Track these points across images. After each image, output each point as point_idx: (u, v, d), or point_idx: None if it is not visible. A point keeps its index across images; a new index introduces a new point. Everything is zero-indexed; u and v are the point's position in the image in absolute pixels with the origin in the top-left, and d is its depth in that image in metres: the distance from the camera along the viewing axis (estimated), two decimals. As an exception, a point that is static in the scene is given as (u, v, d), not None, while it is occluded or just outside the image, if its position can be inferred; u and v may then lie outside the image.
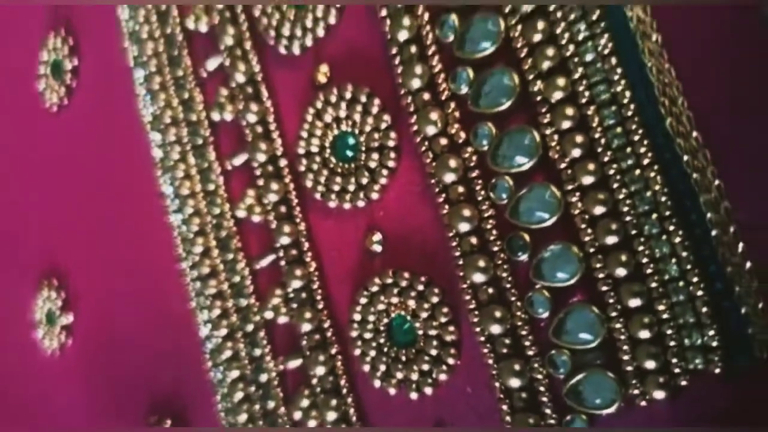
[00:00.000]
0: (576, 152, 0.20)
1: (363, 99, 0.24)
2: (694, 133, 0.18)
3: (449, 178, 0.22)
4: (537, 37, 0.20)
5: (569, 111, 0.20)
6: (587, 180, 0.20)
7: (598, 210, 0.19)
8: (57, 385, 0.39)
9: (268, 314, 0.28)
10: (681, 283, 0.19)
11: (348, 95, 0.25)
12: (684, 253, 0.19)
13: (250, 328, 0.29)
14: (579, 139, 0.20)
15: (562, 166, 0.20)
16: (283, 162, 0.27)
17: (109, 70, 0.34)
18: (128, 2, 0.32)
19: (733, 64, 0.18)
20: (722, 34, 0.18)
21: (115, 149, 0.35)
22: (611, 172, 0.19)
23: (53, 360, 0.39)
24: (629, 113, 0.19)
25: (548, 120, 0.20)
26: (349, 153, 0.25)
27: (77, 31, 0.36)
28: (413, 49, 0.23)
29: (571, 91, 0.20)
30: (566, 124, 0.20)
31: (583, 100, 0.20)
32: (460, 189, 0.22)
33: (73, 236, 0.37)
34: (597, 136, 0.19)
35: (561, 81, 0.20)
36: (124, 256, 0.34)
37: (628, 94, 0.19)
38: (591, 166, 0.20)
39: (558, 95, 0.20)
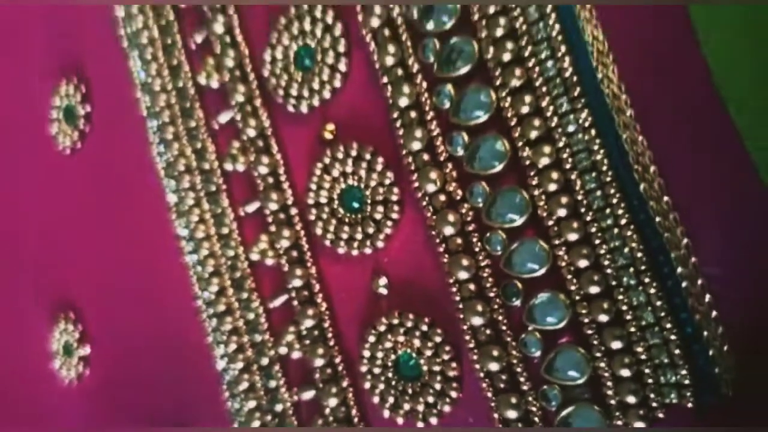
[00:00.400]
0: (562, 212, 0.22)
1: (368, 157, 0.27)
2: (665, 198, 0.21)
3: (448, 231, 0.25)
4: (525, 109, 0.23)
5: (555, 175, 0.22)
6: (572, 237, 0.22)
7: (582, 263, 0.22)
8: (74, 413, 0.41)
9: (282, 350, 0.30)
10: (656, 329, 0.21)
11: (353, 153, 0.27)
12: (658, 302, 0.21)
13: (265, 361, 0.31)
14: (564, 200, 0.22)
15: (550, 223, 0.23)
16: (293, 210, 0.29)
17: (122, 117, 0.36)
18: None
19: (697, 135, 0.21)
20: (690, 110, 0.21)
21: (129, 191, 0.37)
22: (593, 230, 0.22)
23: (71, 389, 0.41)
24: (608, 179, 0.22)
25: (536, 182, 0.23)
26: (356, 204, 0.27)
27: (89, 79, 0.38)
28: (413, 114, 0.25)
29: (556, 158, 0.22)
30: (552, 187, 0.22)
31: (567, 166, 0.22)
32: (459, 240, 0.25)
33: (88, 272, 0.39)
34: (580, 198, 0.22)
35: (547, 149, 0.22)
36: (139, 292, 0.36)
37: (606, 162, 0.22)
38: (575, 225, 0.22)
39: (545, 161, 0.22)
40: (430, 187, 0.25)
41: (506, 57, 0.23)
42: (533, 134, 0.23)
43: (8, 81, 0.42)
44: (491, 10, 0.23)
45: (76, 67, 0.39)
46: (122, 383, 0.38)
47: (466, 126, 0.24)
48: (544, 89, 0.22)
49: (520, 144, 0.23)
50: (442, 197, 0.25)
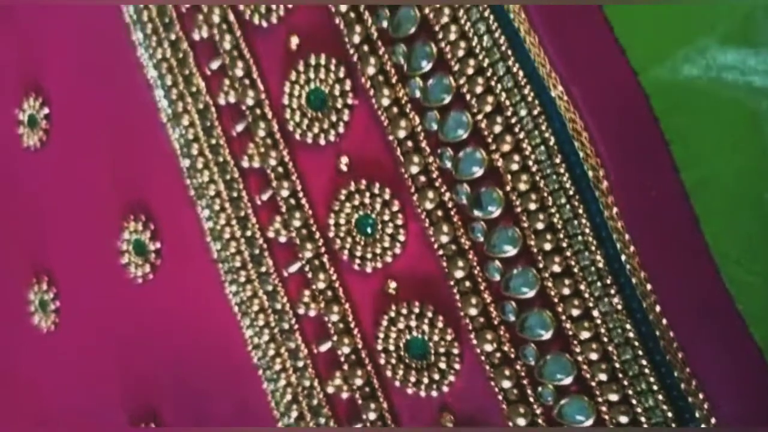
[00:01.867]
0: (603, 376, 0.28)
1: (429, 315, 0.33)
2: (687, 369, 0.27)
3: (506, 384, 0.31)
4: (566, 291, 0.29)
5: (594, 346, 0.28)
6: (613, 397, 0.28)
7: (623, 419, 0.28)
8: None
9: (361, 469, 0.36)
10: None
11: (416, 310, 0.33)
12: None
13: (344, 478, 0.37)
14: (603, 366, 0.28)
15: (593, 384, 0.29)
16: (364, 353, 0.35)
17: (192, 256, 0.42)
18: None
19: (706, 321, 0.26)
20: (700, 300, 0.26)
21: (203, 321, 0.43)
22: (630, 392, 0.28)
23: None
24: (639, 352, 0.28)
25: (579, 350, 0.29)
26: (421, 352, 0.33)
27: (158, 219, 0.44)
28: (467, 283, 0.31)
29: (595, 332, 0.28)
30: (594, 356, 0.28)
31: (605, 339, 0.28)
32: (515, 392, 0.31)
33: (169, 385, 0.45)
34: (617, 365, 0.28)
35: (586, 324, 0.28)
36: (222, 401, 0.43)
37: (637, 338, 0.28)
38: (614, 387, 0.28)
39: (585, 335, 0.28)
40: (487, 347, 0.31)
41: (547, 246, 0.29)
42: (574, 312, 0.28)
43: (77, 215, 0.48)
44: (532, 206, 0.29)
45: (143, 207, 0.45)
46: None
47: (516, 299, 0.30)
48: (581, 275, 0.28)
49: (564, 318, 0.29)
50: (498, 355, 0.31)
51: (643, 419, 0.28)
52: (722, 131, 0.25)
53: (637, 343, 0.28)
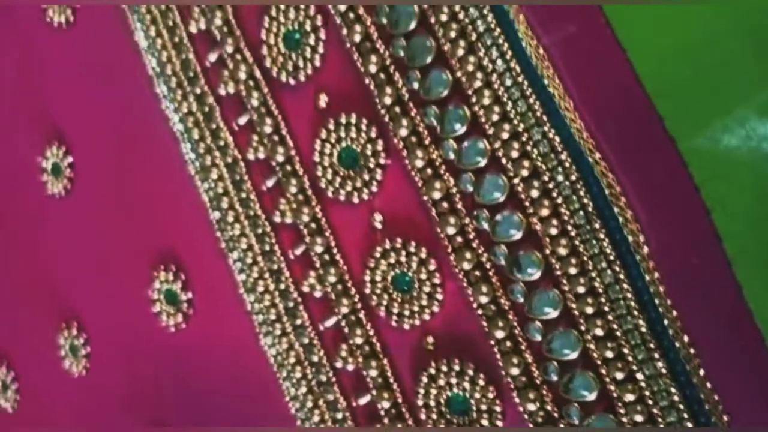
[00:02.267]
0: (639, 418, 0.29)
1: (470, 372, 0.33)
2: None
3: (550, 442, 0.31)
4: (609, 354, 0.29)
5: (639, 407, 0.29)
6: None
7: (639, 418, 0.29)
8: None
9: None
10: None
11: (456, 367, 0.34)
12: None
13: None
14: (639, 408, 0.29)
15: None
16: (404, 407, 0.36)
17: (225, 307, 0.43)
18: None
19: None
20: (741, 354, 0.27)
21: (239, 370, 0.44)
22: (660, 420, 0.29)
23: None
24: (684, 416, 0.28)
25: (624, 412, 0.29)
26: (463, 408, 0.34)
27: (188, 269, 0.45)
28: (508, 343, 0.32)
29: (640, 394, 0.29)
30: (639, 418, 0.29)
31: (650, 402, 0.29)
32: (558, 452, 0.31)
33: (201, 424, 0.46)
34: (655, 411, 0.29)
35: (630, 386, 0.29)
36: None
37: (683, 402, 0.28)
38: (646, 420, 0.29)
39: (629, 397, 0.29)
40: (530, 406, 0.32)
41: (589, 310, 0.29)
42: (618, 375, 0.29)
43: (105, 263, 0.49)
44: (572, 270, 0.30)
45: (174, 258, 0.45)
46: None
47: (559, 360, 0.31)
48: (624, 339, 0.29)
49: (608, 380, 0.29)
50: (542, 413, 0.32)
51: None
52: (763, 201, 0.26)
53: (682, 407, 0.28)
